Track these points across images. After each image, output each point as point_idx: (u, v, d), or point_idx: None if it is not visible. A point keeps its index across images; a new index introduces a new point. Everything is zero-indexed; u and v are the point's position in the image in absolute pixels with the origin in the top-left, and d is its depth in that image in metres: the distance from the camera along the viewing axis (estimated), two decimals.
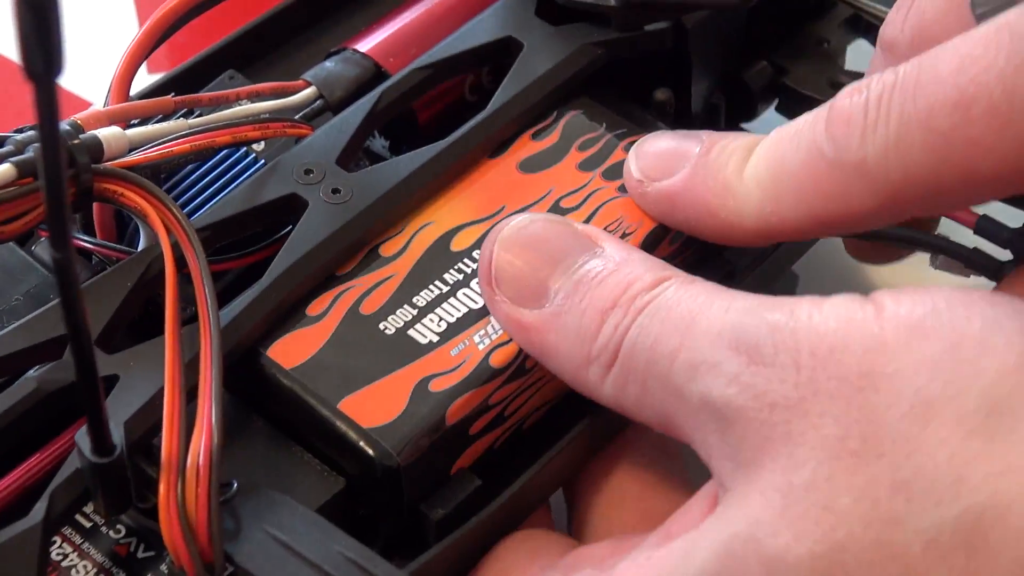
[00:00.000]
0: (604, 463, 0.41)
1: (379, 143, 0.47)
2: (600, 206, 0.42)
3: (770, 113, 0.52)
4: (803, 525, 0.30)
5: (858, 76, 0.52)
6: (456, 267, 0.40)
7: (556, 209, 0.42)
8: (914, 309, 0.32)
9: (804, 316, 0.33)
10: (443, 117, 0.47)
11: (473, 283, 0.40)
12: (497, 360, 0.38)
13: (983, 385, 0.30)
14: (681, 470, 0.41)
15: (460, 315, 0.39)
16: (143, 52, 0.42)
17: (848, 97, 0.36)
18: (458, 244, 0.41)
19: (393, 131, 0.47)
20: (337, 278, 0.40)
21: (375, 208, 0.40)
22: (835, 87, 0.52)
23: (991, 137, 0.34)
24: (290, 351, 0.38)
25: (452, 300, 0.39)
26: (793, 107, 0.52)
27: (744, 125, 0.52)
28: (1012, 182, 0.35)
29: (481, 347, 0.39)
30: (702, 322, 0.34)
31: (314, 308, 0.39)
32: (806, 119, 0.38)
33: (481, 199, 0.42)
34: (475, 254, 0.40)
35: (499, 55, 0.45)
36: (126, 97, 0.42)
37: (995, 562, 0.29)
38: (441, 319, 0.39)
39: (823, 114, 0.37)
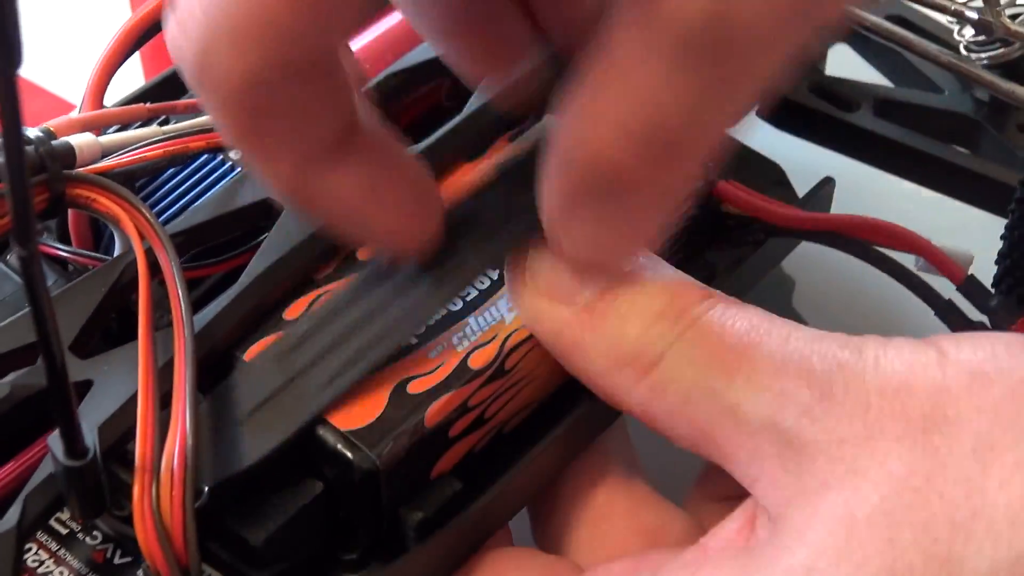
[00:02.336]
0: (585, 477, 0.40)
1: None
2: None
3: (750, 118, 0.52)
4: (864, 557, 0.31)
5: (839, 81, 0.52)
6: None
7: None
8: (975, 354, 0.33)
9: (871, 357, 0.33)
10: (419, 122, 0.47)
11: None
12: (476, 362, 0.38)
13: None
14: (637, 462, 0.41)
15: (438, 317, 0.39)
16: (116, 60, 0.42)
17: None
18: None
19: None
20: (314, 282, 0.39)
21: None
22: (816, 92, 0.52)
23: None
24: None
25: None
26: (774, 111, 0.52)
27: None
28: None
29: (460, 348, 0.38)
30: (762, 347, 0.34)
31: (292, 312, 0.39)
32: None
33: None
34: None
35: None
36: (100, 105, 0.42)
37: None
38: None
39: None
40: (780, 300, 0.54)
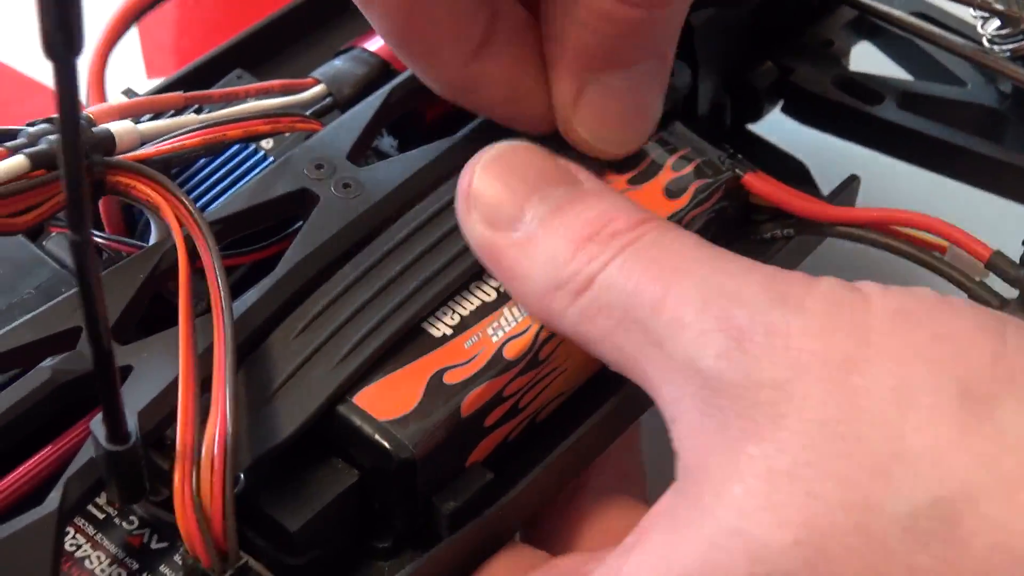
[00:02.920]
0: (591, 499, 0.41)
1: (387, 142, 0.47)
2: None
3: (776, 113, 0.52)
4: (786, 513, 0.31)
5: (863, 76, 0.52)
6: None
7: None
8: (903, 299, 0.33)
9: (795, 297, 0.33)
10: (450, 115, 0.47)
11: (486, 275, 0.40)
12: (511, 352, 0.38)
13: (962, 376, 0.31)
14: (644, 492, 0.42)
15: (473, 308, 0.39)
16: (109, 46, 0.42)
17: None
18: None
19: (401, 130, 0.47)
20: None
21: (386, 202, 0.40)
22: (840, 86, 0.52)
23: None
24: None
25: (465, 293, 0.39)
26: (799, 106, 0.52)
27: (750, 126, 0.52)
28: None
29: (495, 339, 0.39)
30: (689, 278, 0.34)
31: None
32: None
33: None
34: None
35: None
36: (103, 94, 0.42)
37: (969, 549, 0.29)
38: (454, 312, 0.39)
39: None
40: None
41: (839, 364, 0.31)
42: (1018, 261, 0.42)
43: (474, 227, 0.38)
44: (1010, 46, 0.49)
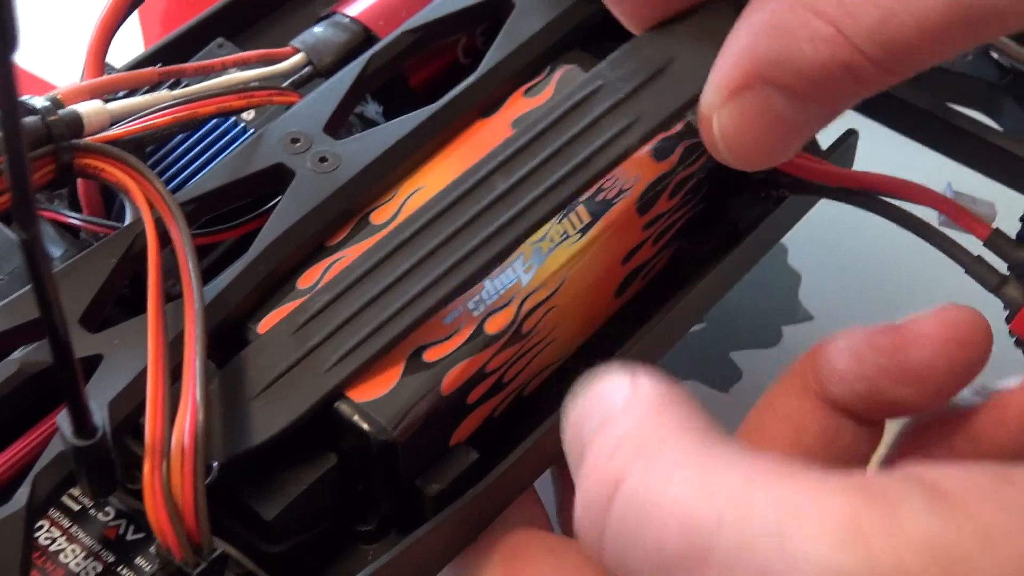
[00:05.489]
0: None
1: (372, 108, 0.46)
2: None
3: None
4: None
5: None
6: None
7: None
8: None
9: None
10: (437, 80, 0.46)
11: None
12: (492, 326, 0.38)
13: None
14: None
15: (454, 285, 0.38)
16: (115, 22, 0.41)
17: None
18: None
19: (386, 96, 0.46)
20: (327, 248, 0.39)
21: (363, 176, 0.39)
22: None
23: None
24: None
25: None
26: None
27: None
28: None
29: (475, 314, 0.38)
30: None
31: (304, 280, 0.38)
32: None
33: (471, 159, 0.40)
34: None
35: (491, 15, 0.44)
36: (102, 69, 0.41)
37: None
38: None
39: None
40: (787, 293, 0.54)
41: None
42: (1016, 234, 0.41)
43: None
44: None
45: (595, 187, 0.39)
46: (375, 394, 0.36)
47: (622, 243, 0.41)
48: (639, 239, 0.41)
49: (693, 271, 0.43)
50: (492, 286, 0.38)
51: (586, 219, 0.40)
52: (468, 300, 0.38)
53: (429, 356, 0.37)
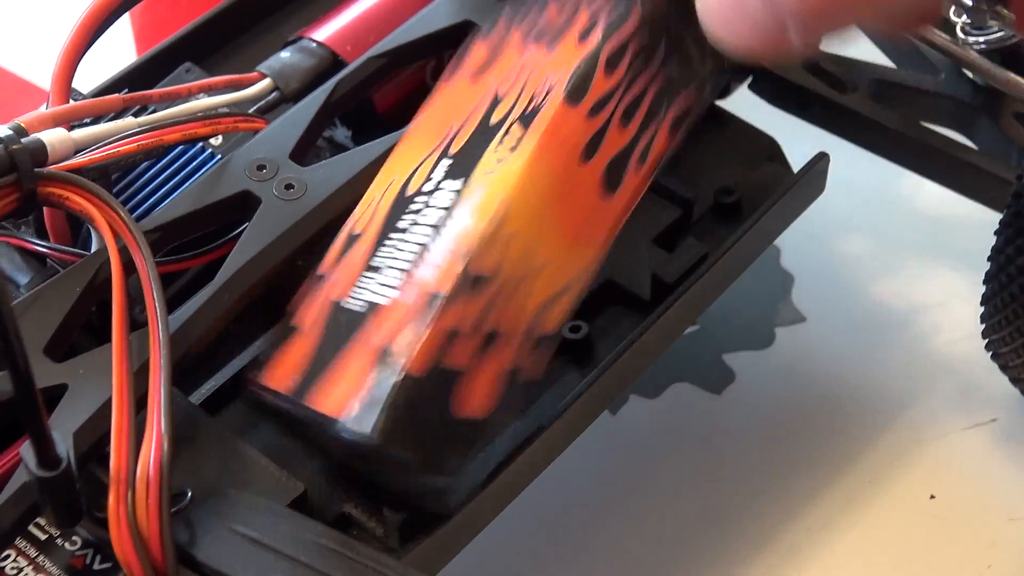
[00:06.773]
0: None
1: (342, 133, 0.46)
2: (530, 77, 0.39)
3: (743, 91, 0.51)
4: None
5: (835, 59, 0.51)
6: (408, 210, 0.37)
7: (495, 104, 0.39)
8: None
9: None
10: (405, 104, 0.46)
11: (421, 219, 0.37)
12: (443, 285, 0.35)
13: None
14: None
15: (411, 257, 0.36)
16: (80, 48, 0.41)
17: None
18: (412, 187, 0.38)
19: (354, 121, 0.46)
20: (321, 277, 0.37)
21: (329, 203, 0.39)
22: (811, 70, 0.50)
23: None
24: (282, 373, 0.36)
25: (404, 245, 0.37)
26: (764, 86, 0.51)
27: (718, 102, 0.51)
28: None
29: (426, 278, 0.36)
30: None
31: (300, 318, 0.37)
32: None
33: (432, 129, 0.39)
34: (424, 189, 0.38)
35: (458, 39, 0.44)
36: (67, 95, 0.40)
37: None
38: (394, 269, 0.36)
39: None
40: (781, 297, 0.54)
41: None
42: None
43: None
44: (984, 38, 0.48)
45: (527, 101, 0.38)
46: (346, 400, 0.35)
47: (567, 141, 0.38)
48: (591, 128, 0.38)
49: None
50: (438, 246, 0.36)
51: (519, 134, 0.38)
52: (417, 269, 0.36)
53: (394, 344, 0.35)
